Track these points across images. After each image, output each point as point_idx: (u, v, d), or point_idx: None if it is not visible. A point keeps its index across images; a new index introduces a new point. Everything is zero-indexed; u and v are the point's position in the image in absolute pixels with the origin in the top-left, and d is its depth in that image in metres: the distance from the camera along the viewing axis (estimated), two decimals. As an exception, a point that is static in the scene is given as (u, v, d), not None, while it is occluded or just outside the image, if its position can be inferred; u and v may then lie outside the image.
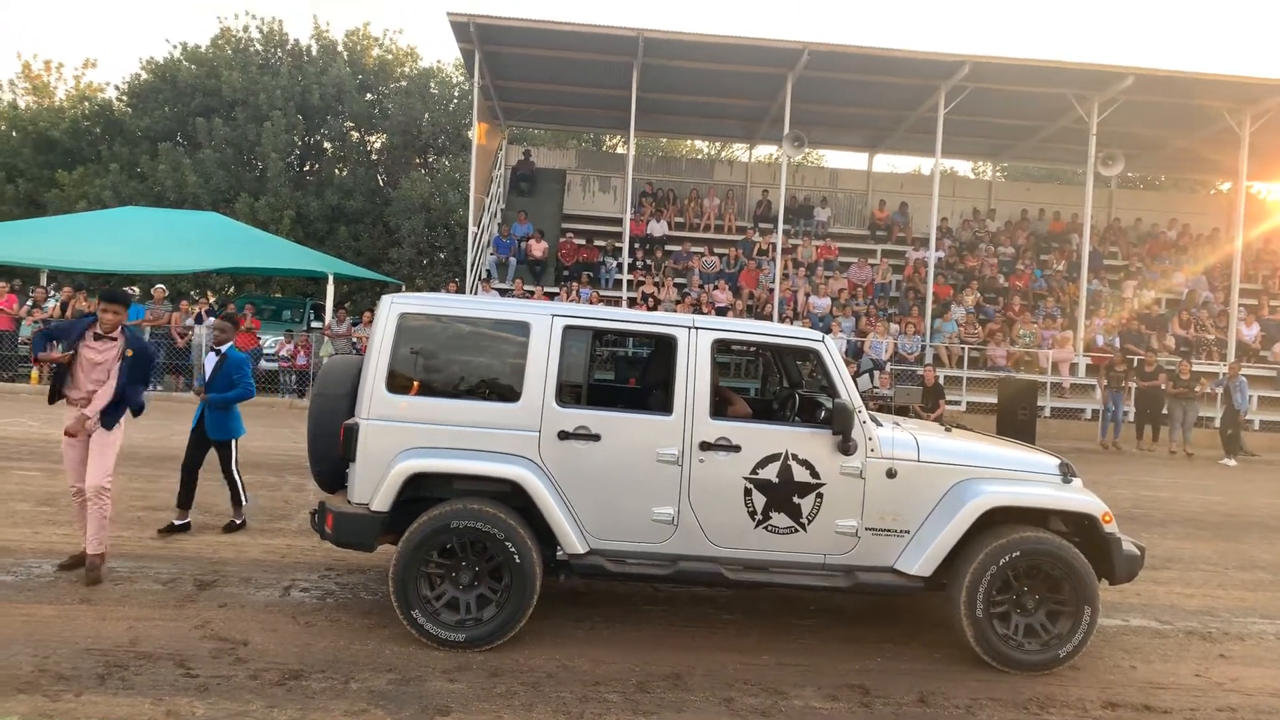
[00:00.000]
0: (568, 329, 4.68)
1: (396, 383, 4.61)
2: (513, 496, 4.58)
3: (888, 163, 28.91)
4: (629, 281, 17.64)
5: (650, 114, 19.19)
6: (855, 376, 6.52)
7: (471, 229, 17.27)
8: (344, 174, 27.56)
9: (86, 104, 27.26)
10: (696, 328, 4.77)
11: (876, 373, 15.18)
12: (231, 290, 26.38)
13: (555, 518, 4.54)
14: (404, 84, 27.97)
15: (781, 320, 16.34)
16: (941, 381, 14.50)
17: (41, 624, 4.51)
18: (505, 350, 4.68)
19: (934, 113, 17.07)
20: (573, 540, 4.57)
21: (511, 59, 16.90)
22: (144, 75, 26.62)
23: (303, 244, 22.01)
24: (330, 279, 15.93)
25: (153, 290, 15.44)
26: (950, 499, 4.71)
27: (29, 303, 14.84)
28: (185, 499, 6.47)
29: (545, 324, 4.66)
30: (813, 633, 5.16)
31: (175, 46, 27.27)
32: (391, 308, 4.65)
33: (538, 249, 18.41)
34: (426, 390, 4.64)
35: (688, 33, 15.54)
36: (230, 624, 4.73)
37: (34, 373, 13.91)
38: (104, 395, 5.33)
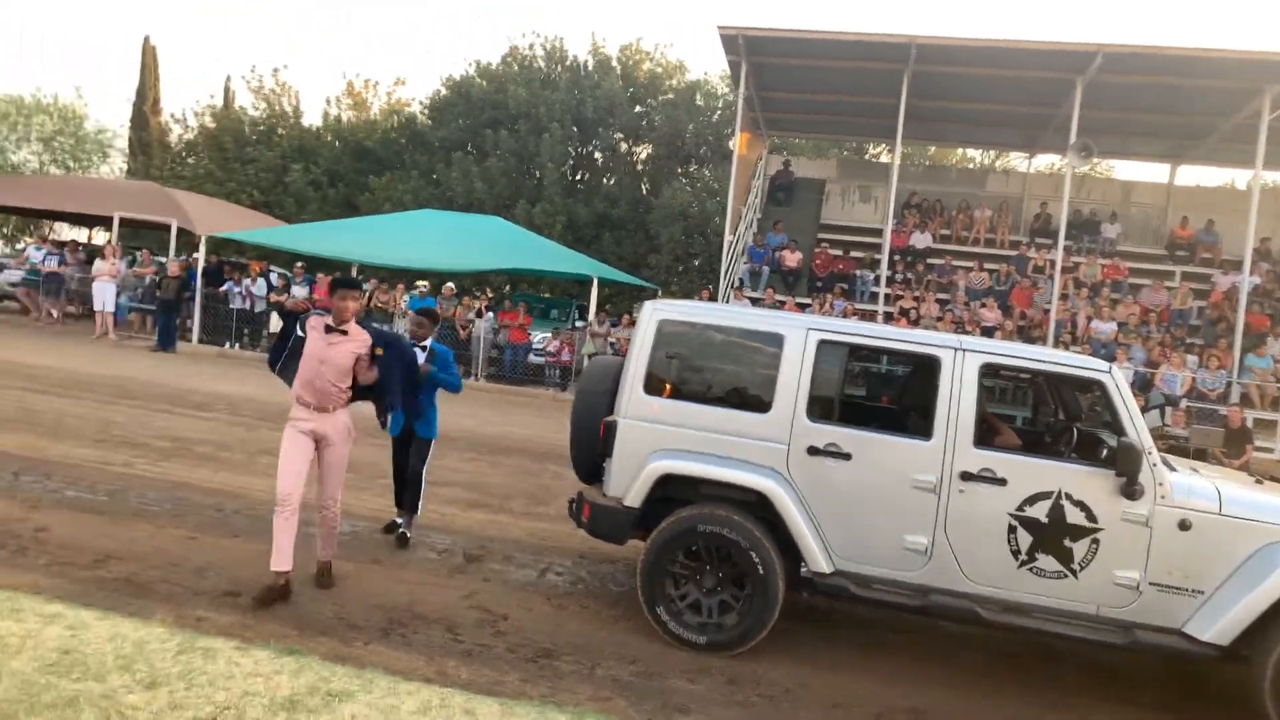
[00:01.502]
0: (822, 343, 4.62)
1: (653, 385, 4.78)
2: (759, 507, 4.59)
3: (1192, 175, 25.82)
4: (886, 295, 17.05)
5: (918, 121, 18.42)
6: (1143, 412, 5.86)
7: (727, 237, 17.49)
8: (611, 183, 28.95)
9: (395, 117, 30.67)
10: (964, 349, 4.53)
11: (1169, 409, 13.59)
12: (508, 289, 28.55)
13: (800, 533, 4.50)
14: (671, 96, 28.88)
15: (1058, 345, 15.08)
16: (1250, 424, 12.71)
17: (340, 577, 5.13)
18: (758, 361, 4.70)
19: (1254, 120, 15.01)
20: (818, 558, 4.51)
21: (777, 69, 16.92)
22: (443, 91, 29.49)
23: (572, 248, 23.39)
24: (594, 281, 16.79)
25: (443, 288, 17.08)
26: (1259, 561, 4.13)
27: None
28: (402, 497, 6.21)
29: (800, 337, 4.63)
30: (1077, 692, 4.72)
31: (470, 65, 29.97)
32: (653, 314, 4.83)
33: (791, 259, 18.29)
34: (681, 394, 4.77)
35: (965, 38, 14.76)
36: (493, 598, 5.12)
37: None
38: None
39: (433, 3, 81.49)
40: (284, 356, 4.91)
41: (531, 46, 29.62)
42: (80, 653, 3.40)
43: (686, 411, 4.74)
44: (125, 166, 31.80)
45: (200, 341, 16.87)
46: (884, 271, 17.31)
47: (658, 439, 4.75)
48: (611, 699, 3.98)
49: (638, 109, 29.06)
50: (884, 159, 27.25)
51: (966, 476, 4.41)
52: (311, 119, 31.29)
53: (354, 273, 19.16)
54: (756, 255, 18.56)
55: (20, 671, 3.18)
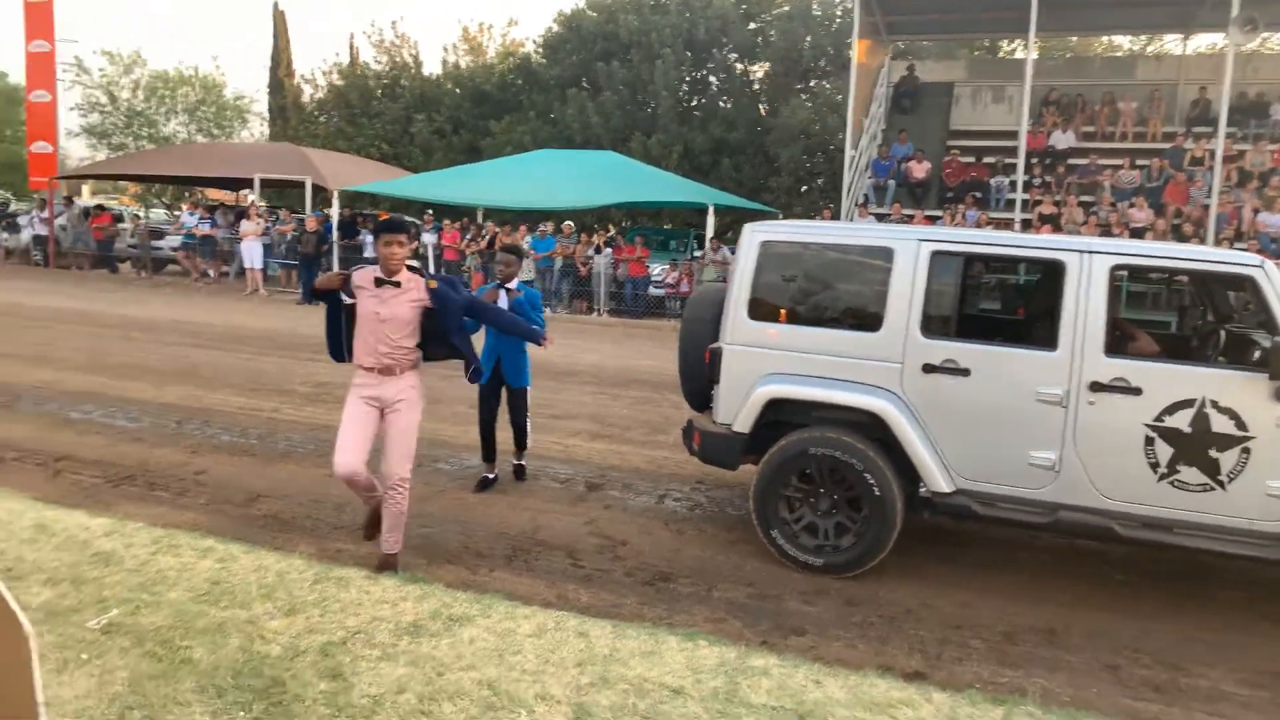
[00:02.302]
0: (935, 254, 4.38)
1: (758, 310, 4.68)
2: (874, 428, 4.46)
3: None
4: (1024, 201, 16.04)
5: (1055, 9, 16.96)
6: None
7: (849, 152, 16.82)
8: (728, 106, 28.25)
9: (510, 59, 30.84)
10: (1090, 251, 4.20)
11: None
12: (626, 223, 28.57)
13: (918, 453, 4.36)
14: (786, 9, 27.71)
15: (1219, 243, 13.84)
16: None
17: (467, 507, 5.36)
18: (867, 278, 4.52)
19: None
20: (937, 478, 4.36)
21: (896, -33, 15.93)
22: (555, 28, 29.36)
23: (689, 177, 23.08)
24: (710, 210, 16.56)
25: (562, 226, 17.27)
26: None
27: (467, 237, 17.46)
28: (491, 452, 5.81)
29: (911, 249, 4.40)
30: (1232, 608, 4.42)
31: (581, -2, 29.65)
32: (753, 236, 4.71)
33: (919, 170, 17.43)
34: (788, 318, 4.66)
35: (1107, -92, 13.42)
36: (613, 524, 5.24)
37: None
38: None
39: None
40: (344, 339, 4.31)
41: (640, -28, 28.98)
42: (228, 583, 3.70)
43: (795, 334, 4.63)
44: (265, 131, 33.45)
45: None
46: (1020, 176, 16.26)
47: (766, 363, 4.67)
48: (726, 620, 4.02)
49: (752, 25, 28.06)
50: (1019, 55, 25.34)
51: (1097, 387, 4.13)
52: (432, 68, 31.91)
53: (480, 217, 19.64)
54: (881, 169, 17.79)
55: (176, 601, 3.50)
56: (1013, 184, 16.42)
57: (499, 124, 27.79)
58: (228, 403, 7.90)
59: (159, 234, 21.20)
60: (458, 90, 30.25)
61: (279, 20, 35.89)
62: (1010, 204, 16.23)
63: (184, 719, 2.71)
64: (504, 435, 5.82)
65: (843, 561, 4.51)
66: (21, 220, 22.01)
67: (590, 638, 3.39)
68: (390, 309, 4.07)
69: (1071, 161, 17.08)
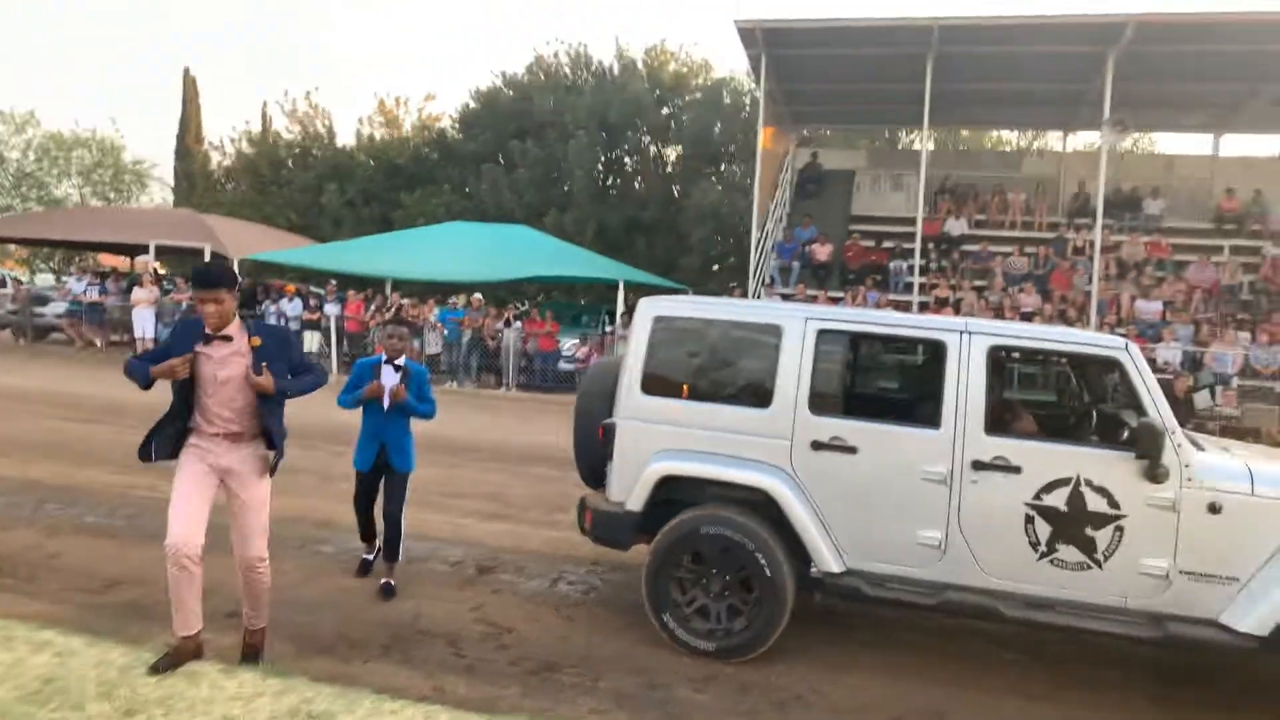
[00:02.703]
0: (822, 333, 4.44)
1: (652, 384, 4.64)
2: (766, 506, 4.43)
3: (1238, 146, 24.91)
4: (921, 284, 16.69)
5: (948, 106, 18.04)
6: (1193, 392, 5.44)
7: (754, 234, 17.27)
8: (640, 187, 28.84)
9: (426, 132, 30.94)
10: (970, 332, 4.32)
11: (1219, 389, 13.06)
12: (541, 297, 28.60)
13: (808, 532, 4.33)
14: (698, 95, 28.69)
15: (1101, 328, 14.60)
16: (1307, 399, 12.16)
17: (346, 593, 5.07)
18: (757, 354, 4.54)
19: (1302, 81, 14.39)
20: (826, 557, 4.33)
21: (799, 61, 16.66)
22: (471, 104, 29.68)
23: (604, 254, 23.33)
24: (620, 286, 16.69)
25: (471, 299, 17.13)
26: (1298, 544, 3.85)
27: (372, 308, 17.14)
28: (370, 531, 5.43)
29: (798, 327, 4.45)
30: (1115, 687, 4.47)
31: (497, 76, 30.11)
32: (648, 310, 4.70)
33: (822, 252, 18.00)
34: (680, 392, 4.63)
35: (987, 17, 14.39)
36: (500, 610, 5.02)
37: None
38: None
39: (462, 14, 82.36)
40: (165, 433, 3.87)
41: (556, 54, 29.66)
42: (63, 681, 3.37)
43: (687, 410, 4.60)
44: (166, 197, 32.53)
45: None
46: (917, 260, 16.95)
47: (658, 439, 4.61)
48: (611, 712, 3.85)
49: (665, 110, 28.89)
50: (917, 146, 26.73)
51: (979, 466, 4.19)
52: (345, 139, 31.71)
53: (388, 289, 19.33)
54: (785, 251, 18.31)
55: (1, 702, 3.15)
56: (910, 268, 17.10)
57: (411, 196, 27.68)
58: (97, 480, 7.40)
59: (43, 300, 20.16)
60: (371, 162, 30.10)
61: (189, 85, 35.28)
62: (909, 287, 16.86)
63: (-17, 843, 2.39)
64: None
65: (735, 645, 4.41)
66: (-111, 283, 20.68)
67: (462, 735, 3.18)
68: (228, 369, 3.72)
69: (965, 248, 17.91)
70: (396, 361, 5.10)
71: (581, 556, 6.14)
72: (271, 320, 17.21)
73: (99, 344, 18.35)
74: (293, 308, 17.28)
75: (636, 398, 4.65)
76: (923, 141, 17.50)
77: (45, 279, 29.10)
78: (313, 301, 17.62)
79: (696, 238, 25.77)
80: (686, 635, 4.46)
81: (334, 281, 17.72)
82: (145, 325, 16.96)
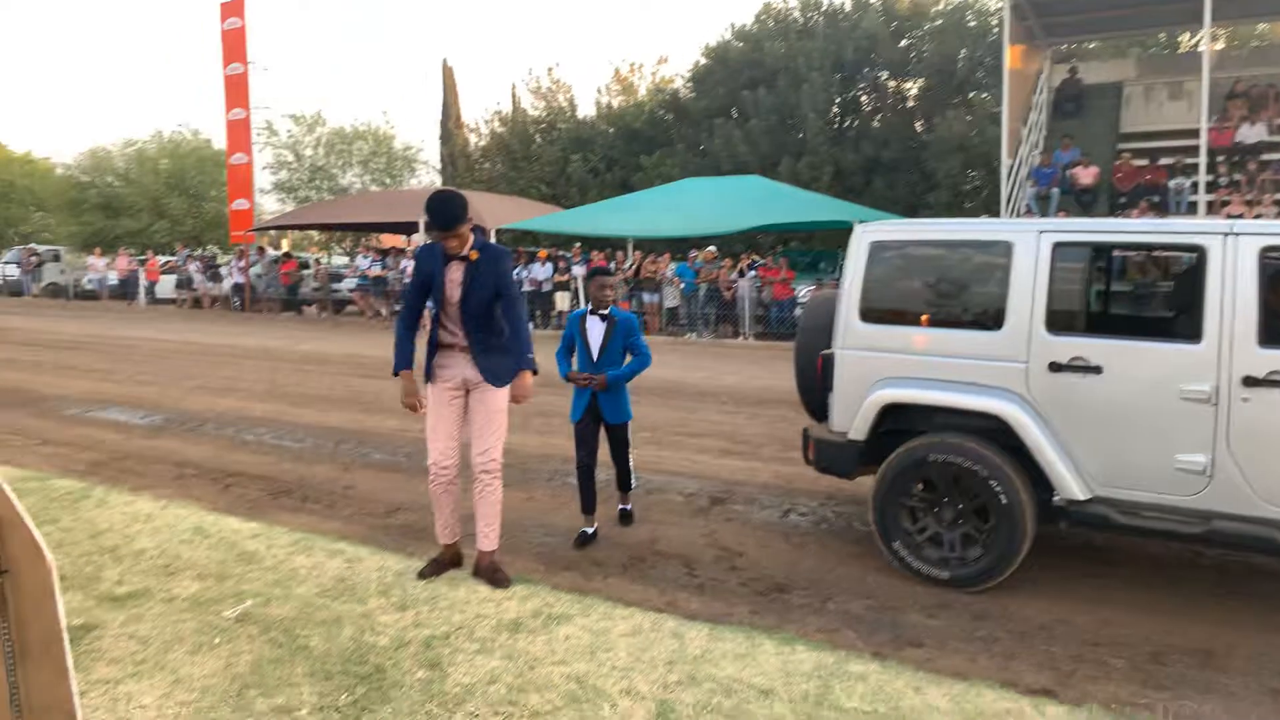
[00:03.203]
0: (1058, 246, 4.11)
1: (871, 313, 4.54)
2: (999, 433, 4.21)
3: None
4: (1209, 204, 14.74)
5: (1238, -4, 15.65)
6: None
7: (1005, 161, 16.05)
8: (879, 124, 27.66)
9: (660, 95, 31.52)
10: (1236, 234, 3.82)
11: None
12: (778, 248, 28.42)
13: (1047, 458, 4.07)
14: (939, 22, 26.92)
15: None
16: None
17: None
18: (985, 274, 4.30)
19: None
20: (1069, 484, 4.05)
21: (1050, -34, 15.16)
22: (702, 60, 29.80)
23: (841, 198, 22.71)
24: (854, 227, 16.20)
25: (704, 251, 17.39)
26: None
27: (612, 265, 17.91)
28: (590, 502, 5.06)
29: (1030, 241, 4.15)
30: None
31: (727, 29, 29.97)
32: (863, 237, 4.58)
33: (1086, 175, 16.36)
34: (901, 319, 4.49)
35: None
36: (732, 536, 5.18)
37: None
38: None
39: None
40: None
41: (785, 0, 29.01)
42: (351, 581, 3.94)
43: (908, 336, 4.46)
44: (433, 179, 35.64)
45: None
46: (1203, 176, 14.96)
47: (881, 368, 4.51)
48: (839, 631, 3.87)
49: (903, 43, 27.42)
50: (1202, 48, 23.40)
51: (1252, 382, 3.72)
52: (586, 110, 33.07)
53: (630, 248, 20.08)
54: (1043, 177, 16.84)
55: (303, 596, 3.76)
56: (1195, 185, 15.14)
57: (649, 159, 28.37)
58: (383, 425, 8.40)
59: (338, 277, 22.96)
60: (610, 130, 31.17)
61: (448, 76, 38.30)
62: (1193, 207, 14.97)
63: (293, 699, 2.90)
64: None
65: (970, 574, 4.26)
66: (223, 270, 24.43)
67: (684, 639, 3.37)
68: (457, 275, 4.00)
69: (1265, 157, 15.56)
70: (602, 311, 4.94)
71: (815, 490, 6.16)
72: (525, 287, 18.50)
73: (384, 313, 20.64)
74: (544, 271, 18.44)
75: (855, 327, 4.57)
76: (1206, 40, 15.28)
77: (340, 260, 33.05)
78: (561, 264, 18.69)
79: (943, 173, 24.37)
80: (918, 563, 4.37)
81: (578, 244, 18.65)
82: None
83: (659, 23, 79.90)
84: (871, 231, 4.60)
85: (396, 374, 4.11)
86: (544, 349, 4.52)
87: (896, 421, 4.51)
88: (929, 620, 4.01)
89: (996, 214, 17.27)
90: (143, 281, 25.24)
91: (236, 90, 23.69)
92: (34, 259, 28.19)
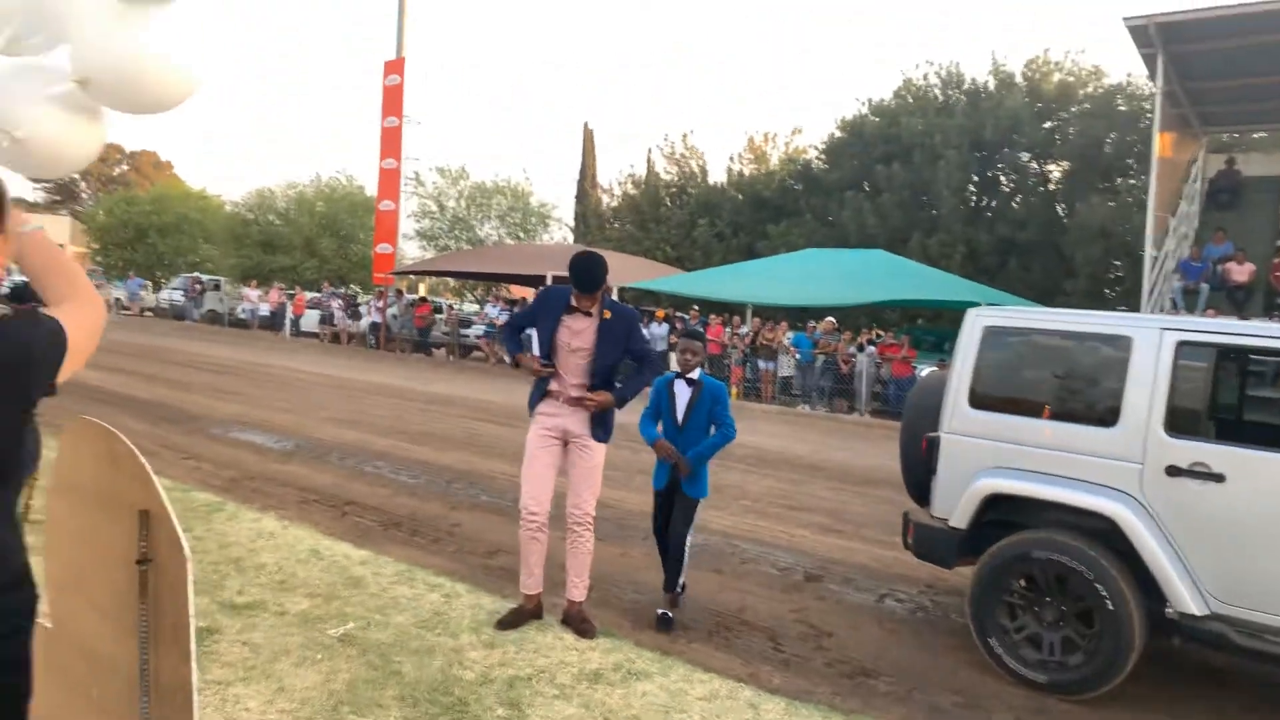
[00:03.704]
0: (1182, 345, 3.97)
1: (979, 398, 4.48)
2: (1109, 534, 4.06)
3: None
4: (1381, 309, 13.70)
5: None
6: None
7: (1149, 252, 15.38)
8: (1018, 206, 27.02)
9: (792, 165, 31.82)
10: (1381, 346, 3.61)
11: None
12: (904, 325, 27.92)
13: (1160, 567, 3.89)
14: (1087, 105, 26.26)
15: None
16: None
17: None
18: (1101, 368, 4.19)
19: None
20: (1184, 597, 3.85)
21: (1203, 56, 14.61)
22: (836, 133, 29.99)
23: (972, 278, 22.23)
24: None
25: (824, 322, 17.29)
26: None
27: (729, 330, 18.01)
28: (674, 578, 4.74)
29: (1152, 338, 4.03)
30: None
31: (863, 104, 30.10)
32: (976, 321, 4.55)
33: (1240, 272, 15.47)
34: (1011, 407, 4.41)
35: None
36: (823, 615, 5.11)
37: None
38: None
39: (827, 50, 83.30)
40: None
41: (925, 76, 28.99)
42: (447, 615, 4.12)
43: (1018, 426, 4.37)
44: (565, 235, 36.91)
45: (614, 381, 18.98)
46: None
47: (986, 455, 4.43)
48: (921, 724, 3.78)
49: (1047, 124, 26.87)
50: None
51: (1393, 506, 3.48)
52: (717, 176, 33.69)
53: (748, 313, 20.18)
54: (1192, 271, 16.02)
55: (401, 624, 3.96)
56: (1361, 289, 14.11)
57: (776, 228, 28.57)
58: (495, 469, 8.70)
59: (467, 323, 23.95)
60: (739, 196, 31.61)
61: (587, 138, 39.91)
62: (1361, 311, 13.93)
63: (381, 719, 3.06)
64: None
65: (1069, 681, 4.08)
66: (363, 309, 25.89)
67: (759, 709, 3.37)
68: (581, 340, 4.15)
69: None
70: (690, 375, 4.69)
71: (914, 577, 6.01)
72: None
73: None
74: (660, 330, 18.72)
75: (963, 411, 4.51)
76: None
77: (471, 307, 34.49)
78: (679, 325, 18.94)
79: (1083, 259, 23.54)
80: (1014, 662, 4.22)
81: (696, 307, 18.89)
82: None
83: (794, 96, 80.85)
84: (985, 316, 4.57)
85: (515, 363, 4.30)
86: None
87: (1000, 512, 4.40)
88: (1018, 723, 3.86)
89: (1137, 306, 16.51)
90: (289, 314, 27.01)
91: (391, 142, 25.32)
92: (198, 287, 30.62)
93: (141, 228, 38.65)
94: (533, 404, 4.33)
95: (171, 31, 2.42)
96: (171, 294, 31.88)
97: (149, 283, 35.48)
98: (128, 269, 36.65)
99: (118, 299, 31.35)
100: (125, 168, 58.53)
